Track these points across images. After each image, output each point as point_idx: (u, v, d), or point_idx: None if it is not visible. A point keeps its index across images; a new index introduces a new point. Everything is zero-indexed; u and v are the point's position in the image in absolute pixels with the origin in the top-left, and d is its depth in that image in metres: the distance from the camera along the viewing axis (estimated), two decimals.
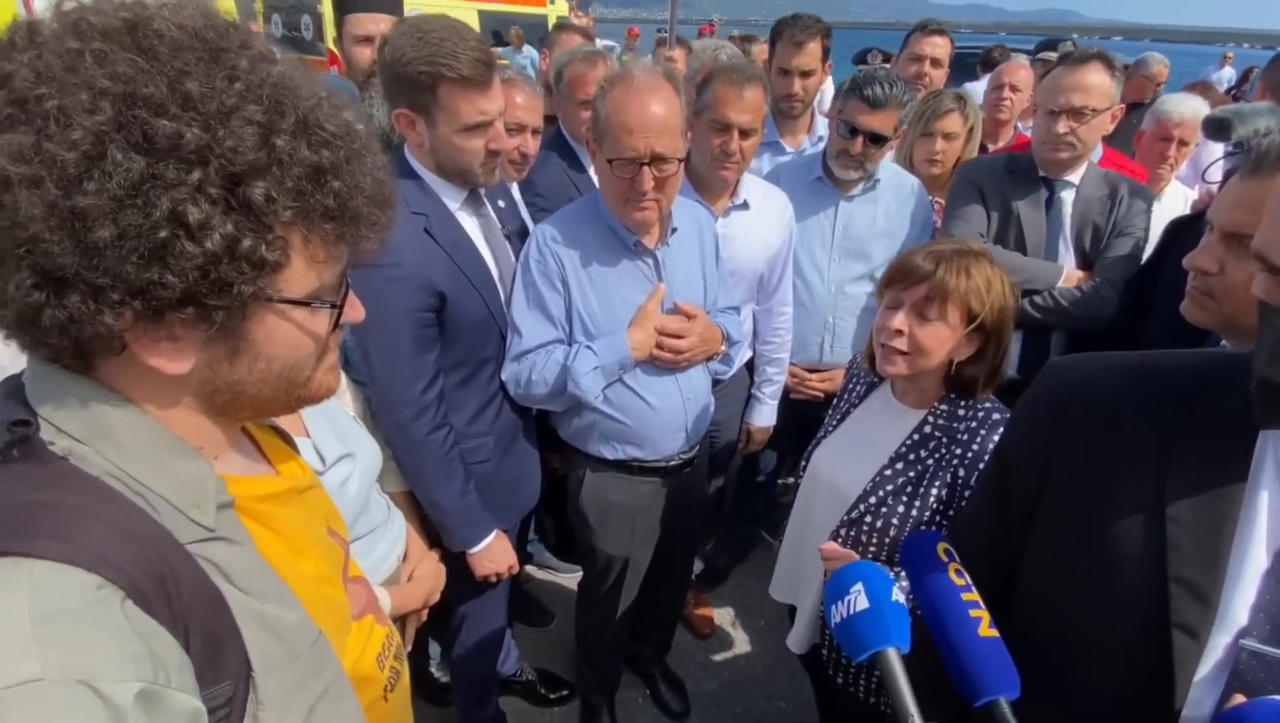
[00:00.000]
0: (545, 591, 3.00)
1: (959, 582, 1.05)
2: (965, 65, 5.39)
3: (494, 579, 1.80)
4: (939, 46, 3.14)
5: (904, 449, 1.51)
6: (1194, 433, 0.87)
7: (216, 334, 0.61)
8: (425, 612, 1.58)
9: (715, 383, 2.33)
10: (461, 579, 1.75)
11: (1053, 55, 3.94)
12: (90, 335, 0.56)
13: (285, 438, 0.94)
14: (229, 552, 0.66)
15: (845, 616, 0.97)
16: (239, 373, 0.66)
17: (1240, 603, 0.83)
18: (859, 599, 0.97)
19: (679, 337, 1.76)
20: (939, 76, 3.11)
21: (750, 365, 2.49)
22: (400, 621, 1.51)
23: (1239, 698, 0.79)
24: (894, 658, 0.93)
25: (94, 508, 0.58)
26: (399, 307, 1.51)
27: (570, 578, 2.95)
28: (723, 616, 2.95)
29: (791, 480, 3.76)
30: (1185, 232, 2.00)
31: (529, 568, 3.05)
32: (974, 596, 1.03)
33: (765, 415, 2.51)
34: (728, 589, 3.07)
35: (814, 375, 2.53)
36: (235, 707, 0.63)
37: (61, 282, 0.53)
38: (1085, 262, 2.22)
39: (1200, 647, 0.83)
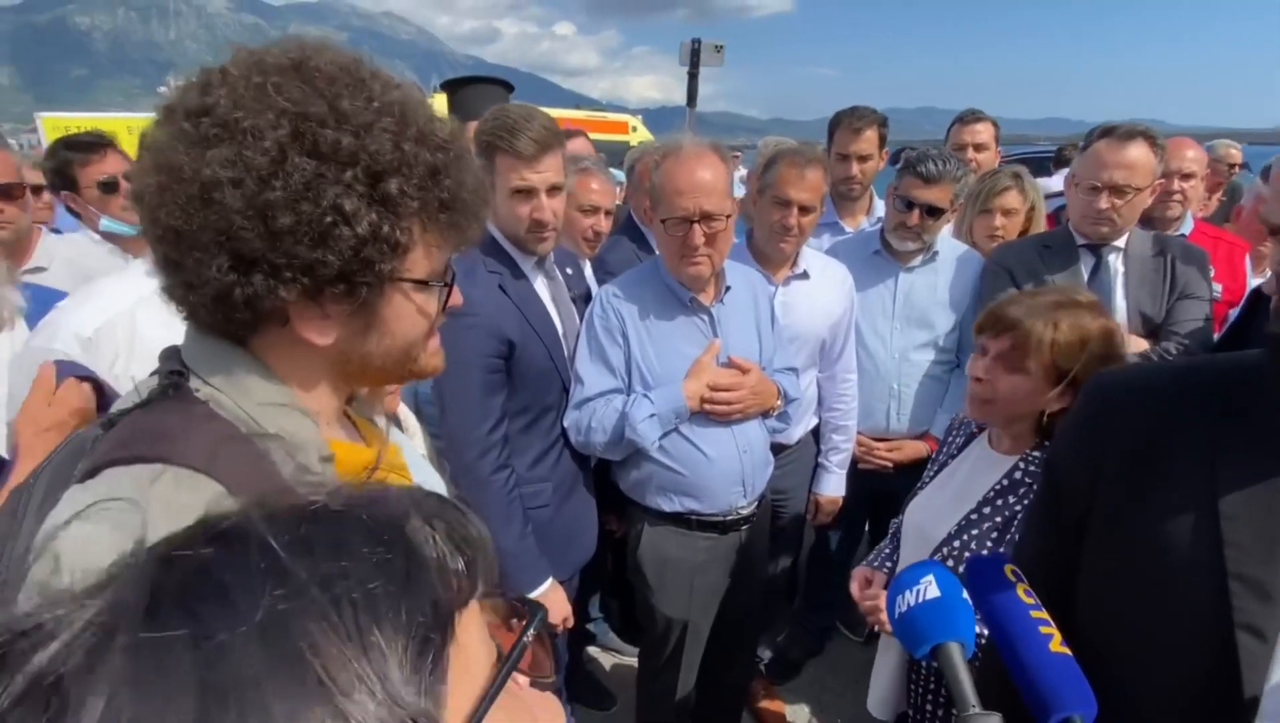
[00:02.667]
0: (608, 674, 2.92)
1: (1028, 601, 1.00)
2: (1041, 166, 5.49)
3: None
4: (979, 133, 3.27)
5: (992, 494, 1.48)
6: (1242, 426, 0.85)
7: (357, 310, 0.74)
8: None
9: (780, 450, 2.34)
10: None
11: None
12: (266, 309, 0.70)
13: (380, 429, 1.05)
14: None
15: (911, 604, 0.92)
16: (369, 346, 0.78)
17: None
18: (929, 589, 0.92)
19: (731, 389, 1.81)
20: (984, 159, 3.21)
21: (817, 434, 2.48)
22: None
23: None
24: (957, 653, 0.88)
25: (222, 436, 0.71)
26: (472, 351, 1.65)
27: (634, 661, 2.85)
28: (796, 712, 2.75)
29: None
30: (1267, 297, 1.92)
31: (591, 649, 2.99)
32: (1043, 614, 0.97)
33: (833, 485, 2.46)
34: (802, 684, 2.88)
35: (881, 445, 2.49)
36: None
37: (250, 263, 0.67)
38: (1146, 324, 2.15)
39: (1270, 647, 0.78)
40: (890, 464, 2.47)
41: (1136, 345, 2.10)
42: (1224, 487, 0.83)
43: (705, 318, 1.89)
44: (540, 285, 1.85)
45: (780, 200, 2.14)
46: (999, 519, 1.44)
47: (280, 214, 0.65)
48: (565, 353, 1.85)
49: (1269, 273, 2.65)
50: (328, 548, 0.30)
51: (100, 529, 0.60)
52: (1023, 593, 0.99)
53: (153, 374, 0.78)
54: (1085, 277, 2.22)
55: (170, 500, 0.63)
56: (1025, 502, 1.43)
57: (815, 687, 2.86)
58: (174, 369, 0.75)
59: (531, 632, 0.41)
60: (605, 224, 2.47)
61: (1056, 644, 0.93)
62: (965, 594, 0.94)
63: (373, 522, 0.32)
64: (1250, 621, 0.79)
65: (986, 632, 1.00)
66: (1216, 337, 2.14)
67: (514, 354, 1.70)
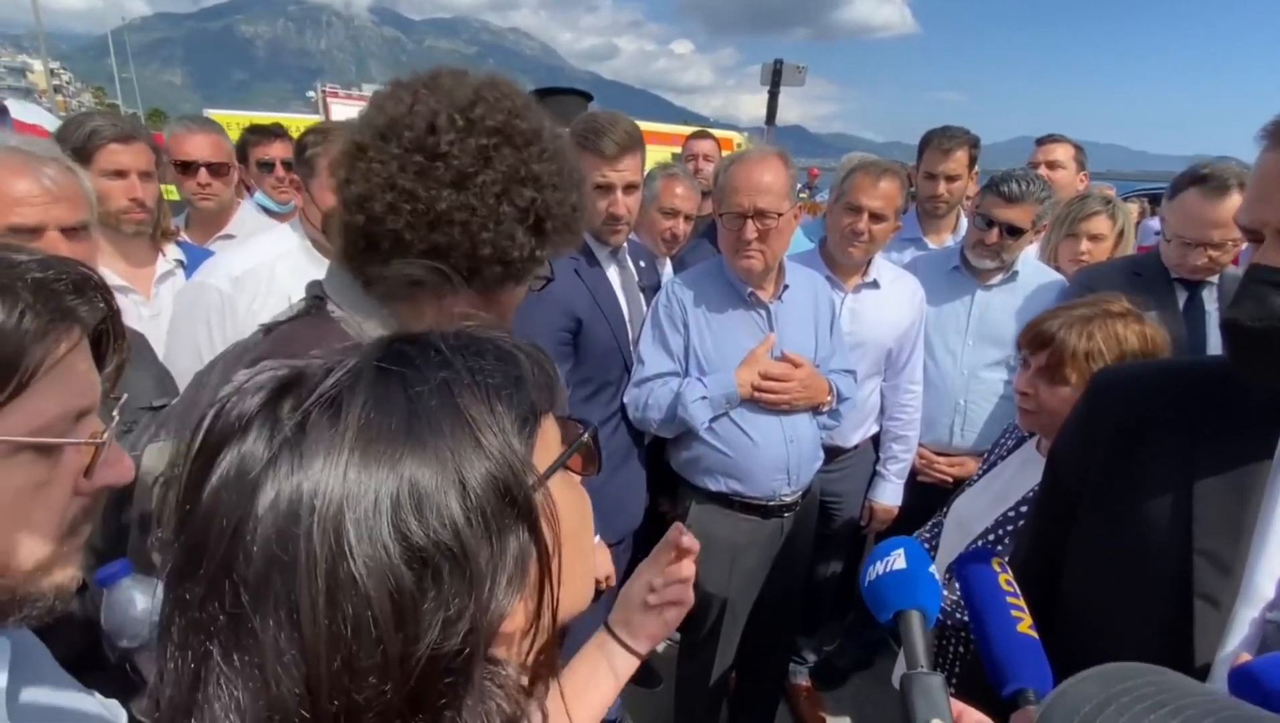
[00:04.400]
0: (657, 655, 3.04)
1: (1006, 588, 1.06)
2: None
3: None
4: (1053, 150, 3.28)
5: (1031, 494, 1.52)
6: (1223, 417, 0.90)
7: (489, 293, 0.96)
8: None
9: (838, 453, 2.40)
10: None
11: None
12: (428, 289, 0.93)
13: None
14: None
15: (880, 573, 1.01)
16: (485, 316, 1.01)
17: (1265, 576, 0.81)
18: (898, 561, 1.00)
19: (782, 380, 1.92)
20: (1058, 177, 3.17)
21: (877, 441, 2.52)
22: None
23: (1244, 656, 0.76)
24: (916, 620, 0.96)
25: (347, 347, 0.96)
26: (545, 324, 1.85)
27: None
28: (837, 721, 2.77)
29: None
30: None
31: None
32: (1019, 601, 1.04)
33: (889, 494, 2.49)
34: (846, 695, 2.89)
35: (942, 459, 2.49)
36: None
37: (440, 269, 0.90)
38: None
39: (1223, 617, 0.82)
40: (950, 479, 2.47)
41: None
42: (1200, 471, 0.88)
43: (763, 313, 2.00)
44: (612, 273, 2.04)
45: (852, 206, 2.23)
46: None
47: (485, 246, 0.90)
48: (629, 335, 2.02)
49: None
50: (473, 354, 0.48)
51: None
52: (1004, 582, 1.05)
53: (302, 299, 1.03)
54: (1181, 312, 2.15)
55: None
56: None
57: (859, 698, 2.85)
58: (317, 295, 1.00)
59: (587, 435, 0.57)
60: (684, 227, 2.63)
61: (1025, 627, 0.99)
62: (933, 569, 1.02)
63: (499, 346, 0.50)
64: (1208, 591, 0.83)
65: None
66: None
67: (581, 330, 1.89)
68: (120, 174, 1.91)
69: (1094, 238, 2.54)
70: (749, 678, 2.45)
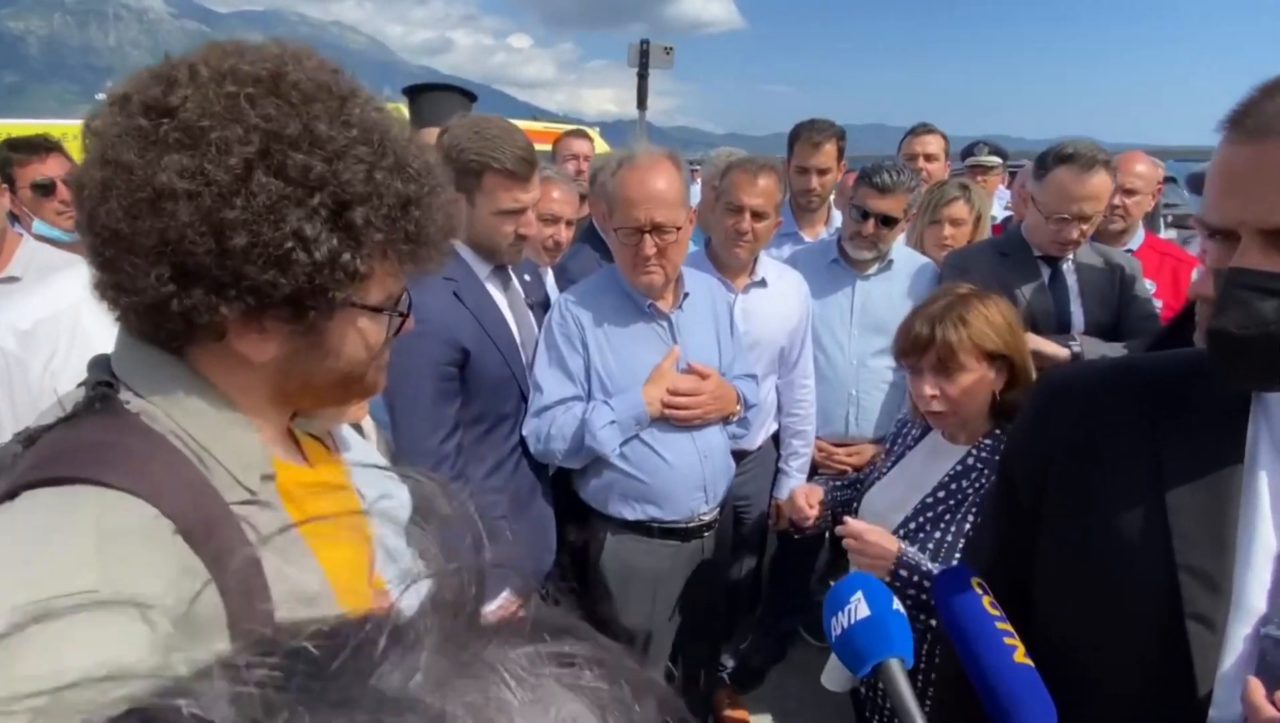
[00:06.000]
0: None
1: (993, 612, 1.01)
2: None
3: None
4: (929, 144, 3.43)
5: (946, 479, 1.56)
6: (1184, 419, 0.87)
7: (303, 330, 0.69)
8: None
9: (742, 456, 2.34)
10: None
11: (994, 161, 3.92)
12: (203, 323, 0.65)
13: (327, 447, 1.00)
14: (267, 518, 0.71)
15: (845, 626, 0.94)
16: (311, 365, 0.74)
17: (1255, 589, 0.79)
18: (859, 608, 0.93)
19: (691, 394, 1.81)
20: (934, 169, 3.34)
21: (777, 439, 2.49)
22: None
23: (1253, 680, 0.73)
24: (898, 669, 0.88)
25: (155, 454, 0.65)
26: (423, 360, 1.61)
27: None
28: (760, 720, 2.75)
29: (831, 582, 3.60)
30: None
31: None
32: (1008, 626, 0.98)
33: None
34: (765, 691, 2.88)
35: (841, 450, 2.51)
36: None
37: (193, 277, 0.62)
38: (1099, 329, 2.24)
39: (1219, 638, 0.79)
40: (850, 468, 2.50)
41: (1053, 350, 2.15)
42: (1170, 480, 0.85)
43: (664, 324, 1.88)
44: (496, 292, 1.82)
45: (733, 206, 2.17)
46: (951, 502, 1.53)
47: (235, 234, 0.61)
48: (523, 360, 1.82)
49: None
50: None
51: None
52: (988, 605, 1.00)
53: (80, 385, 0.72)
54: (1047, 287, 2.30)
55: (95, 526, 0.57)
56: (977, 485, 1.51)
57: (778, 692, 2.86)
58: (102, 380, 0.69)
59: None
60: (566, 234, 2.45)
61: (1020, 656, 0.93)
62: (896, 604, 0.94)
63: None
64: (1199, 611, 0.80)
65: (935, 623, 1.01)
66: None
67: (469, 362, 1.67)
68: None
69: (955, 222, 2.67)
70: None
